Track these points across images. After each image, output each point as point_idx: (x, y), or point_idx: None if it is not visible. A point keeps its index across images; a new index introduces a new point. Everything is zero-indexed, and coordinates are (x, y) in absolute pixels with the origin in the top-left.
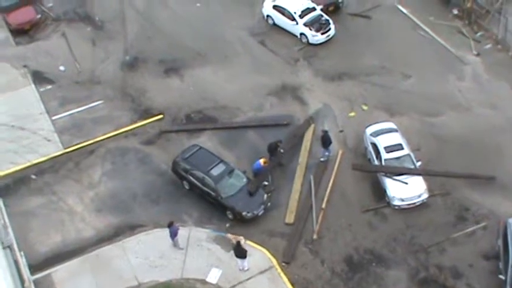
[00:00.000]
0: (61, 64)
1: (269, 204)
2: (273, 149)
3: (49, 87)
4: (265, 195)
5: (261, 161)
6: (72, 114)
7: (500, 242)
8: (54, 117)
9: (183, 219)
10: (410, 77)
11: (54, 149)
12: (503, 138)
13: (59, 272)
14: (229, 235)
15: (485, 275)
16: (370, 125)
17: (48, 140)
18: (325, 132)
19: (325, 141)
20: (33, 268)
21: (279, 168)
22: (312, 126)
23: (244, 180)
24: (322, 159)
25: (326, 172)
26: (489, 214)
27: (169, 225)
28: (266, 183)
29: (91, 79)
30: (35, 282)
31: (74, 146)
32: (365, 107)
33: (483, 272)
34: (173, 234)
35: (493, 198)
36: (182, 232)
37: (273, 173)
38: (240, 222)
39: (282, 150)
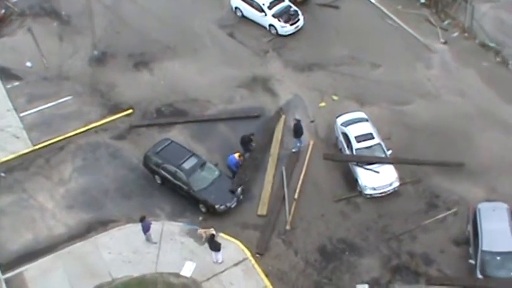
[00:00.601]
0: (28, 60)
1: (242, 196)
2: (246, 142)
3: (16, 83)
4: (238, 188)
5: (236, 155)
6: (40, 110)
7: (470, 228)
8: (22, 114)
9: (155, 214)
10: (380, 67)
11: (23, 146)
12: (472, 125)
13: (30, 270)
14: (199, 230)
15: (456, 260)
16: (341, 115)
17: (17, 137)
18: (298, 121)
19: (297, 130)
20: (4, 267)
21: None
22: (283, 117)
23: (217, 173)
24: (293, 150)
25: (298, 163)
26: (459, 200)
27: (142, 219)
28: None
29: (59, 75)
30: (6, 280)
31: (43, 142)
32: (335, 97)
33: (454, 258)
34: (146, 229)
35: (463, 185)
36: (155, 226)
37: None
38: (213, 215)
39: (253, 144)
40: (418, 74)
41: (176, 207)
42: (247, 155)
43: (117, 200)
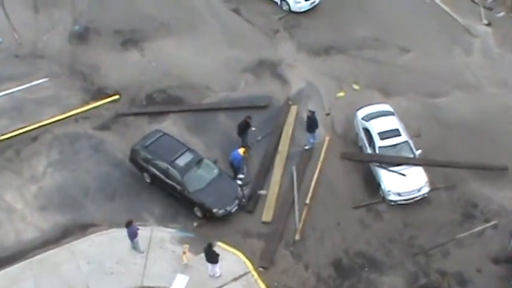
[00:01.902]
0: None
1: (244, 199)
2: (243, 129)
3: None
4: (239, 189)
5: (240, 151)
6: (11, 93)
7: None
8: None
9: (143, 218)
10: (409, 51)
11: None
12: None
13: None
14: (185, 251)
15: (495, 282)
16: (362, 107)
17: None
18: (312, 113)
19: (311, 123)
20: None
21: (252, 155)
22: (294, 108)
23: (216, 171)
24: (306, 147)
25: (311, 162)
26: (500, 211)
27: (128, 224)
28: (241, 175)
29: (33, 52)
30: None
31: (13, 131)
32: (356, 86)
33: (492, 278)
34: (132, 235)
35: (505, 193)
36: (143, 232)
37: (248, 162)
38: (210, 220)
39: (253, 128)
40: (455, 61)
41: (167, 210)
42: (248, 142)
43: (98, 201)
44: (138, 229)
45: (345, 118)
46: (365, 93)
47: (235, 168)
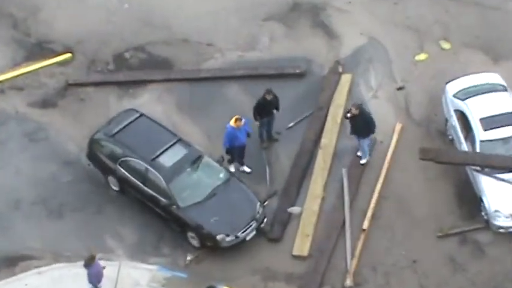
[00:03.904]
0: None
1: (265, 220)
2: (264, 109)
3: None
4: (259, 204)
5: (232, 121)
6: None
7: None
8: None
9: (107, 246)
10: None
11: None
12: None
13: None
14: None
15: None
16: (455, 78)
17: None
18: (360, 108)
19: (364, 124)
20: None
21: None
22: (347, 77)
23: (222, 175)
24: (362, 160)
25: (371, 163)
26: None
27: (88, 262)
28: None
29: None
30: None
31: None
32: (446, 45)
33: None
34: (95, 279)
35: None
36: (107, 271)
37: (271, 161)
38: (213, 252)
39: (291, 124)
40: None
41: (145, 235)
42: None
43: (36, 220)
44: (103, 268)
45: (428, 95)
46: (460, 56)
47: (228, 151)
